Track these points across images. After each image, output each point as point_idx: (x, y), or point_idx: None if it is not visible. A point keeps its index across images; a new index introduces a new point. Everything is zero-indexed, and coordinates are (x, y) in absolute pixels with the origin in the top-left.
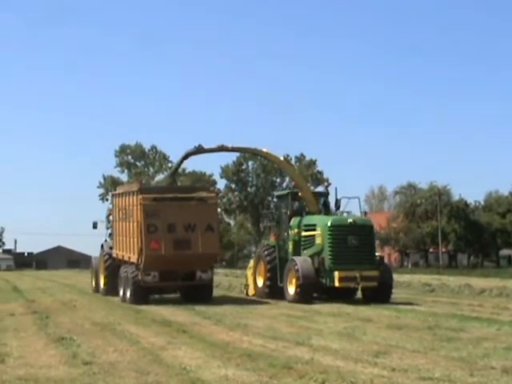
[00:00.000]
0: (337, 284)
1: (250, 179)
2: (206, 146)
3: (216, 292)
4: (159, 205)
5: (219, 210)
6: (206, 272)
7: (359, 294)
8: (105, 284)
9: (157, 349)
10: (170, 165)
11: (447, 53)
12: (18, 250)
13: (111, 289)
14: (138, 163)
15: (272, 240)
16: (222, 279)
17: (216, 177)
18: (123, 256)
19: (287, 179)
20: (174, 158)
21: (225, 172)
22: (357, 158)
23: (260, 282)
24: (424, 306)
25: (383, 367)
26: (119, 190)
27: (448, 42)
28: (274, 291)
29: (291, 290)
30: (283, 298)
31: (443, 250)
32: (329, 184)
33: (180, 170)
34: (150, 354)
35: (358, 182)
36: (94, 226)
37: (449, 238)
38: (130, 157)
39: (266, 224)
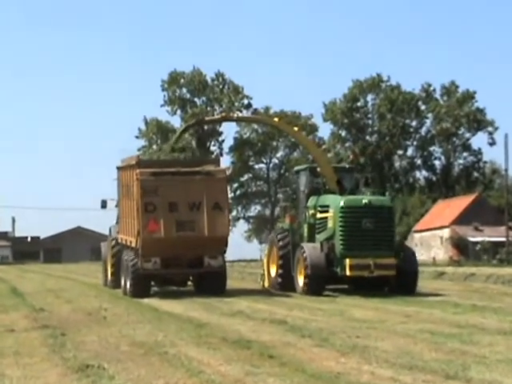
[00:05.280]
0: (348, 273)
1: (370, 122)
2: (207, 118)
3: None
4: (159, 180)
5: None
6: (216, 258)
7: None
8: (112, 274)
9: (230, 382)
10: (245, 101)
11: None
12: (18, 234)
13: (119, 280)
14: (196, 99)
15: (287, 222)
16: None
17: (317, 119)
18: (126, 240)
19: (428, 121)
20: (250, 91)
21: (331, 112)
22: None
23: (273, 271)
24: None
25: None
26: (123, 162)
27: None
28: (287, 282)
29: (301, 280)
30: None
31: None
32: (356, 155)
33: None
34: None
35: None
36: (103, 205)
37: None
38: (184, 90)
39: (282, 204)
